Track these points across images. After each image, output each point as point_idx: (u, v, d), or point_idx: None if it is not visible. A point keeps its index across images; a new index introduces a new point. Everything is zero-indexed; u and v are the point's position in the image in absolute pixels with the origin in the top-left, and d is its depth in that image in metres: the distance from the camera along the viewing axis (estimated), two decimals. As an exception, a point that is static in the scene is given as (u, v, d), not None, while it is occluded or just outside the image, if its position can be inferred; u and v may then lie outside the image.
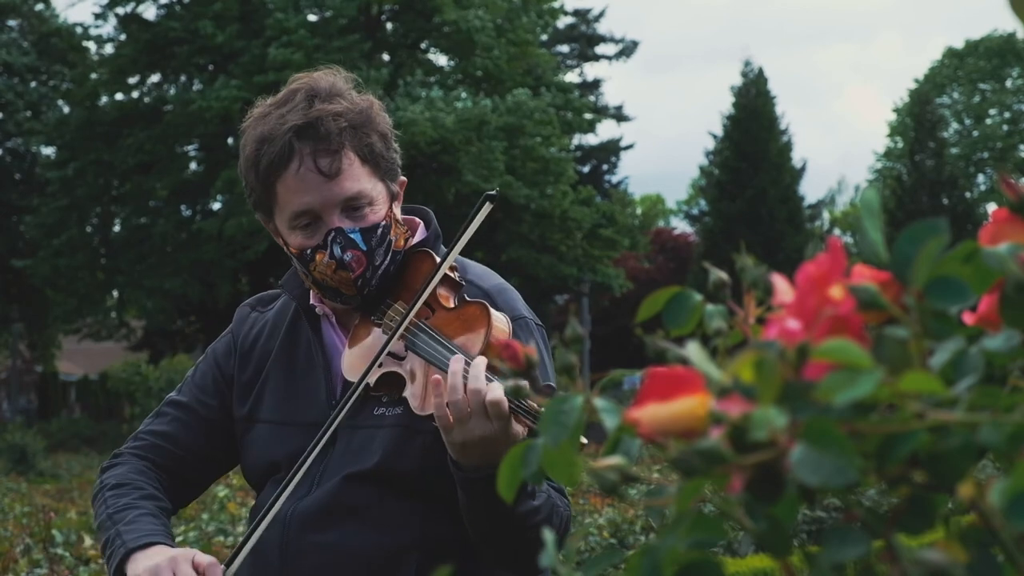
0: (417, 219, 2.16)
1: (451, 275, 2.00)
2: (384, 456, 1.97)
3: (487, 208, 1.98)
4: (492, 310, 1.91)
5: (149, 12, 27.65)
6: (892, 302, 0.66)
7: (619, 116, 36.94)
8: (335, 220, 1.97)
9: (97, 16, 28.00)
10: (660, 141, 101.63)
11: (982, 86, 43.87)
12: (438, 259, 2.01)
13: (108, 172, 26.95)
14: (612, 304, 34.91)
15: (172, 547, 1.95)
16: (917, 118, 36.57)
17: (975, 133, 43.39)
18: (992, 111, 43.65)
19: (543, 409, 0.71)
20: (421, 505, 1.98)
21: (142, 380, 21.31)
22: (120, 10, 27.33)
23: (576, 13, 36.36)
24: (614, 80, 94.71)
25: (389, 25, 27.44)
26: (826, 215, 50.00)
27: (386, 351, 1.93)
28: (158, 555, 1.90)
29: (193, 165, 27.74)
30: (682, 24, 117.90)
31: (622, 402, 0.70)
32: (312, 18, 25.69)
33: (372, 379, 1.94)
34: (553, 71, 28.60)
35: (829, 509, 5.69)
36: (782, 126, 35.30)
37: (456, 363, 1.80)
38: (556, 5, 28.78)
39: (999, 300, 0.66)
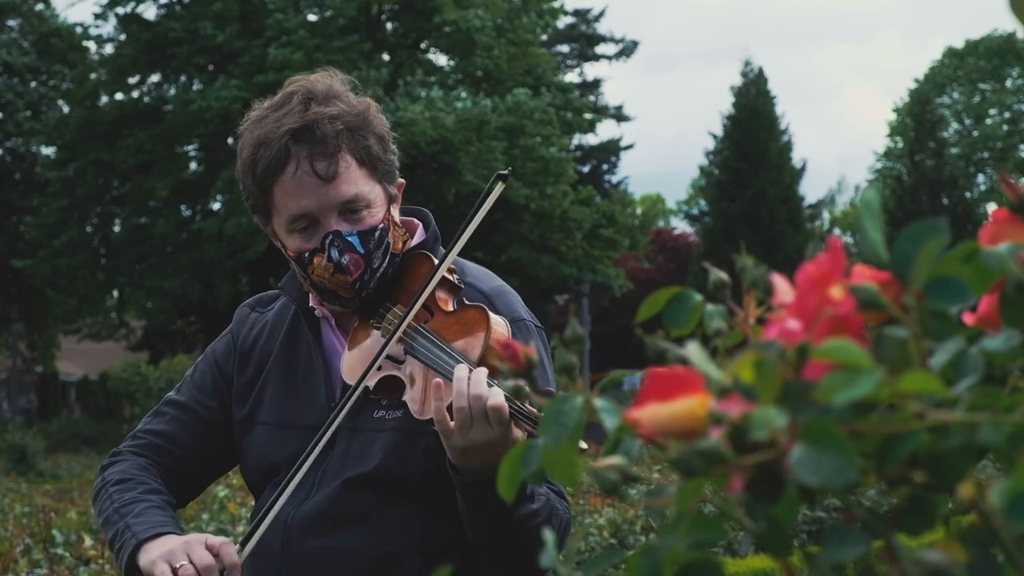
0: (416, 221, 2.15)
1: (449, 278, 2.00)
2: (384, 460, 1.97)
3: (500, 187, 1.97)
4: (491, 314, 1.91)
5: (149, 12, 27.68)
6: (892, 302, 0.66)
7: (619, 116, 36.95)
8: (333, 223, 1.97)
9: (97, 16, 28.02)
10: (660, 141, 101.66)
11: (982, 86, 43.87)
12: (437, 262, 2.01)
13: (108, 172, 26.96)
14: (612, 304, 34.91)
15: (182, 536, 1.95)
16: (917, 118, 36.57)
17: (975, 133, 43.40)
18: (992, 111, 43.65)
19: (543, 413, 0.71)
20: (421, 508, 1.98)
21: (142, 380, 21.31)
22: (120, 10, 27.33)
23: (576, 13, 36.37)
24: (614, 80, 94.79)
25: (389, 25, 27.44)
26: (826, 215, 50.01)
27: (384, 354, 1.93)
28: (171, 542, 1.90)
29: (193, 165, 27.75)
30: (682, 24, 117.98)
31: (622, 402, 0.70)
32: (312, 18, 25.69)
33: (371, 382, 1.94)
34: (553, 71, 28.60)
35: (829, 509, 5.69)
36: (782, 126, 35.29)
37: (462, 370, 1.80)
38: (556, 5, 28.77)
39: (999, 300, 0.66)
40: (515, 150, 25.09)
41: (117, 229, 28.40)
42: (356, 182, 1.98)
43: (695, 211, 41.89)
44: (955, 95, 44.10)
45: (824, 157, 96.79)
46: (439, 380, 1.82)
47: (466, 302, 1.98)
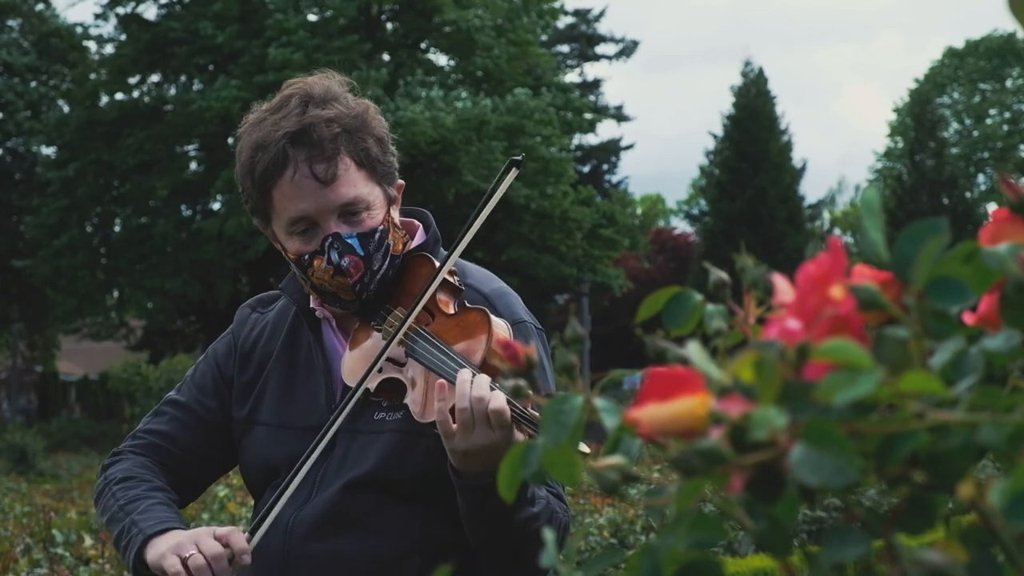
0: (416, 222, 2.14)
1: (450, 280, 1.99)
2: (384, 462, 1.97)
3: (513, 174, 1.96)
4: (492, 317, 1.91)
5: (149, 12, 27.69)
6: (892, 302, 0.66)
7: (619, 116, 36.95)
8: (332, 226, 1.97)
9: (98, 16, 28.02)
10: (660, 141, 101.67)
11: (982, 86, 43.87)
12: (437, 264, 2.01)
13: (108, 172, 26.97)
14: (612, 304, 34.91)
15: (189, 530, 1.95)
16: (917, 118, 36.57)
17: (975, 133, 43.40)
18: (992, 111, 43.65)
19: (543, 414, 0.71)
20: (421, 510, 1.98)
21: (142, 380, 21.31)
22: (120, 10, 27.34)
23: (576, 13, 36.37)
24: (614, 80, 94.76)
25: (389, 25, 27.44)
26: (826, 215, 50.01)
27: (385, 357, 1.93)
28: (178, 535, 1.91)
29: (193, 165, 27.75)
30: (682, 24, 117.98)
31: (622, 402, 0.70)
32: (312, 18, 25.69)
33: (372, 385, 1.94)
34: (553, 71, 28.60)
35: (829, 509, 5.69)
36: (782, 126, 35.29)
37: (465, 373, 1.80)
38: (556, 5, 28.77)
39: (999, 300, 0.66)
40: (515, 150, 25.08)
41: (117, 229, 28.40)
42: (355, 184, 1.97)
43: (695, 211, 41.89)
44: (955, 95, 44.10)
45: (824, 157, 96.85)
46: (442, 381, 1.82)
47: (467, 305, 1.97)
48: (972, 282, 0.66)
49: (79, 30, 29.82)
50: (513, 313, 2.03)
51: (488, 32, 25.46)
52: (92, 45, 29.91)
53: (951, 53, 44.42)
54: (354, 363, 2.00)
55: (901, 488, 0.63)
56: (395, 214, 2.06)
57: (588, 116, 29.21)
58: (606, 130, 48.35)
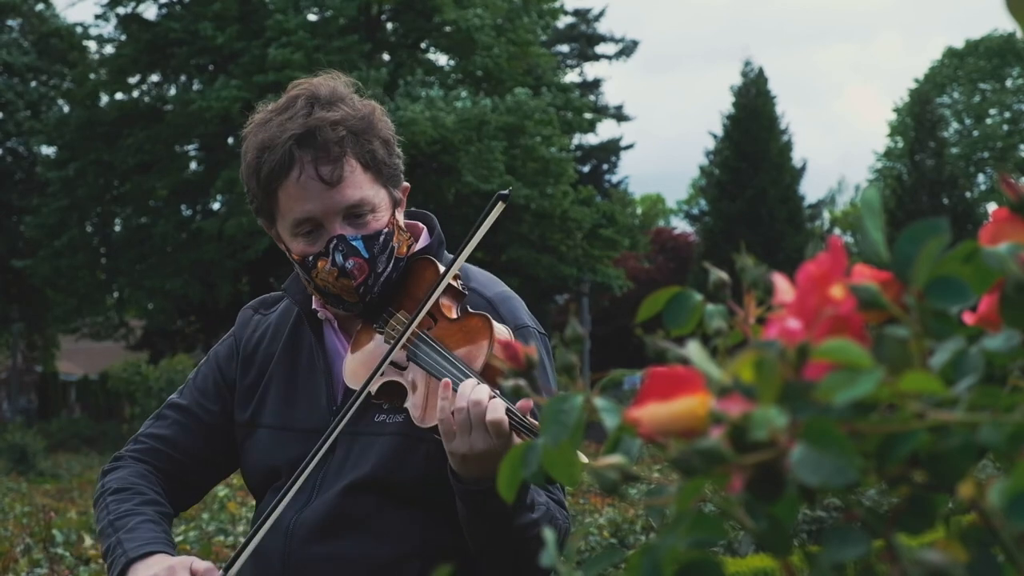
0: (420, 225, 2.14)
1: (454, 284, 1.99)
2: (384, 464, 1.97)
3: (499, 208, 1.96)
4: (495, 323, 1.90)
5: (149, 12, 27.70)
6: (892, 302, 0.66)
7: (619, 116, 36.95)
8: (337, 227, 1.97)
9: (98, 17, 28.01)
10: (660, 141, 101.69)
11: (982, 86, 43.88)
12: (441, 267, 2.00)
13: (108, 172, 26.98)
14: (612, 304, 34.92)
15: (172, 555, 1.95)
16: (917, 118, 36.57)
17: (975, 133, 43.41)
18: (992, 111, 43.66)
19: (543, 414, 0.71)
20: (421, 514, 1.98)
21: (142, 380, 21.32)
22: (120, 10, 27.34)
23: (576, 13, 36.37)
24: (614, 80, 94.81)
25: (389, 25, 27.44)
26: (826, 215, 50.02)
27: (388, 361, 1.93)
28: (157, 565, 1.90)
29: (193, 165, 27.75)
30: (682, 24, 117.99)
31: (622, 402, 0.70)
32: (312, 18, 25.69)
33: (373, 388, 1.94)
34: (553, 71, 28.61)
35: (829, 509, 5.69)
36: (782, 126, 35.29)
37: (466, 382, 1.80)
38: (556, 5, 28.77)
39: (999, 300, 0.66)
40: (515, 150, 25.10)
41: (117, 229, 28.41)
42: (361, 186, 1.97)
43: (695, 211, 41.90)
44: (955, 95, 44.10)
45: (824, 157, 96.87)
46: (447, 380, 1.82)
47: (470, 310, 1.97)
48: (972, 282, 0.66)
49: (79, 30, 29.81)
50: (516, 318, 2.03)
51: (488, 32, 25.46)
52: (92, 45, 29.95)
53: (951, 53, 44.43)
54: (356, 365, 2.00)
55: (901, 488, 0.63)
56: (400, 216, 2.06)
57: (588, 116, 29.21)
58: (606, 130, 48.42)
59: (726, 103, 39.43)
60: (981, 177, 42.25)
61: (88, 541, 6.15)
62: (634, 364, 31.34)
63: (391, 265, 2.01)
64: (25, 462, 17.42)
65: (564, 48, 36.64)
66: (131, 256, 26.80)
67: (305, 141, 1.95)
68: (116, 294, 28.45)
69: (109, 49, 28.43)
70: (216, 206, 26.97)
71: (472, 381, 1.80)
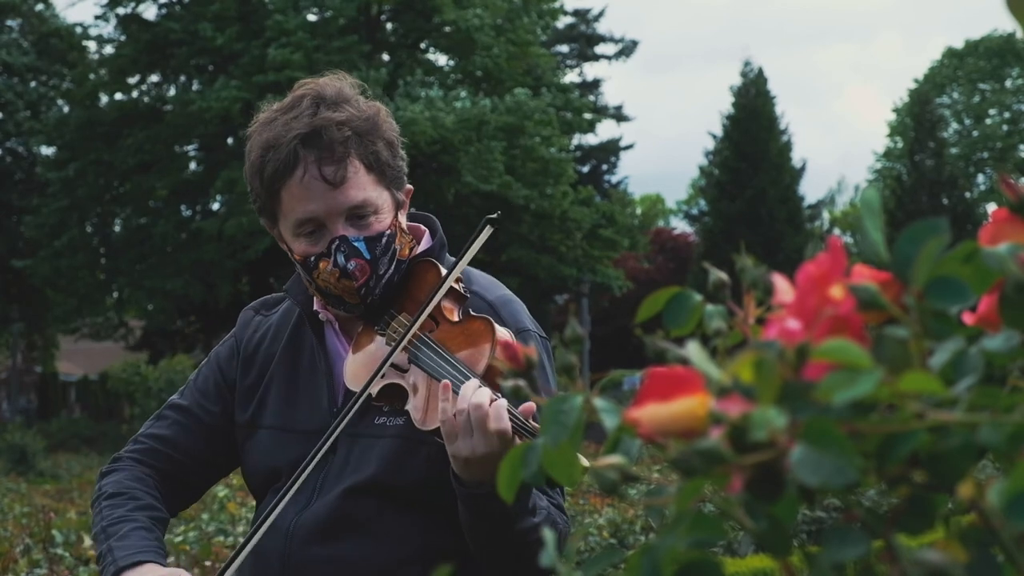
0: (422, 227, 2.14)
1: (455, 287, 1.99)
2: (385, 467, 1.96)
3: (487, 232, 1.95)
4: (497, 326, 1.90)
5: (149, 12, 27.70)
6: (892, 302, 0.66)
7: (619, 116, 36.95)
8: (339, 228, 1.96)
9: (98, 17, 28.02)
10: (660, 141, 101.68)
11: (982, 86, 43.89)
12: (443, 269, 2.00)
13: (108, 172, 26.98)
14: (612, 304, 34.91)
15: (163, 564, 1.95)
16: (917, 118, 36.57)
17: (975, 133, 43.42)
18: (992, 111, 43.67)
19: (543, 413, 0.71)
20: (422, 517, 1.98)
21: (142, 380, 21.33)
22: (120, 10, 27.34)
23: (576, 13, 36.37)
24: (614, 80, 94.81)
25: (389, 25, 27.45)
26: (826, 215, 50.01)
27: (389, 363, 1.93)
28: (147, 574, 1.91)
29: (193, 165, 27.76)
30: (682, 24, 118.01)
31: (622, 402, 0.70)
32: (312, 18, 25.69)
33: (374, 390, 1.93)
34: (553, 71, 28.61)
35: (829, 509, 5.69)
36: (782, 126, 35.29)
37: (468, 385, 1.81)
38: (556, 5, 28.78)
39: (999, 300, 0.66)
40: (515, 150, 25.10)
41: (117, 229, 28.41)
42: (364, 187, 1.97)
43: (695, 211, 41.89)
44: (955, 95, 44.11)
45: (824, 157, 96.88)
46: (447, 382, 1.82)
47: (472, 313, 1.97)
48: (972, 282, 0.66)
49: (79, 30, 29.83)
50: (518, 321, 2.03)
51: (488, 32, 25.47)
52: (92, 45, 29.95)
53: (951, 53, 44.43)
54: (357, 367, 2.00)
55: (901, 488, 0.63)
56: (402, 219, 2.06)
57: (588, 116, 29.22)
58: (606, 130, 48.38)
59: (726, 103, 39.43)
60: (981, 177, 42.26)
61: (88, 541, 6.15)
62: (634, 364, 31.34)
63: (393, 267, 2.00)
64: (25, 462, 17.42)
65: (564, 48, 36.64)
66: (131, 256, 26.80)
67: (310, 141, 1.95)
68: (116, 294, 28.45)
69: (109, 49, 28.45)
70: (216, 206, 26.98)
71: (474, 383, 1.80)
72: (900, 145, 42.65)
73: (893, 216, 31.49)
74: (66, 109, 29.46)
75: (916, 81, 44.60)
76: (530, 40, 26.77)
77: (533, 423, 1.74)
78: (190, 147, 27.82)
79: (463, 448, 1.77)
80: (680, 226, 47.89)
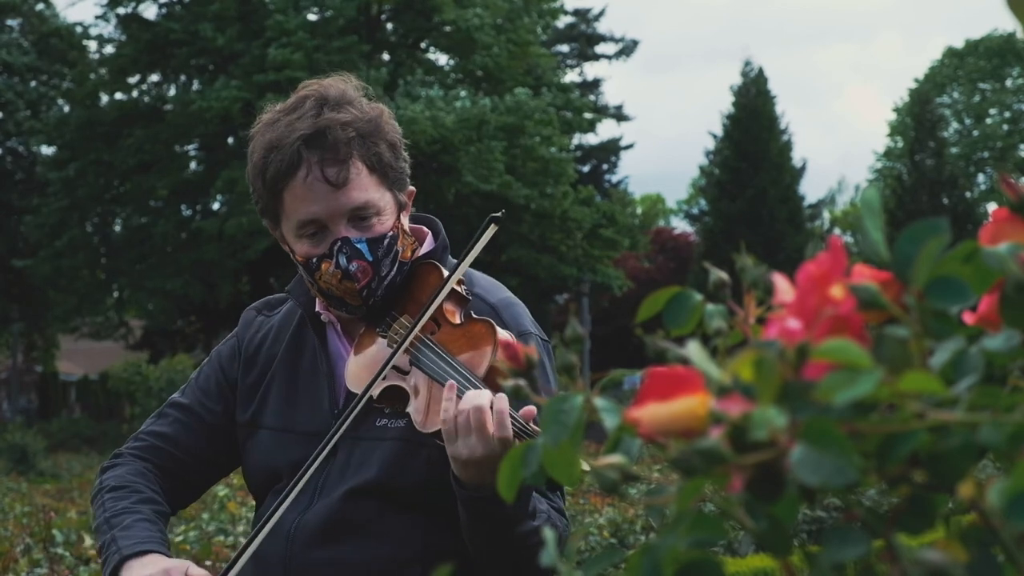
0: (425, 229, 2.14)
1: (457, 289, 1.99)
2: (385, 469, 1.96)
3: (491, 231, 1.96)
4: (498, 329, 1.90)
5: (149, 12, 27.69)
6: (892, 302, 0.66)
7: (619, 116, 36.94)
8: (342, 230, 1.96)
9: (98, 18, 28.02)
10: (660, 141, 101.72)
11: (982, 86, 43.88)
12: (445, 271, 2.00)
13: (108, 172, 26.98)
14: (612, 304, 34.91)
15: (167, 555, 1.95)
16: (917, 118, 36.57)
17: (975, 133, 43.41)
18: (992, 111, 43.66)
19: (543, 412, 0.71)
20: (423, 519, 1.97)
21: (142, 380, 21.32)
22: (121, 10, 27.33)
23: (576, 13, 36.36)
24: (614, 80, 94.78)
25: (389, 25, 27.45)
26: (826, 215, 50.02)
27: (390, 365, 1.93)
28: (152, 565, 1.90)
29: (193, 165, 27.76)
30: (682, 24, 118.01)
31: (622, 402, 0.70)
32: (312, 18, 25.69)
33: (375, 392, 1.93)
34: (553, 71, 28.61)
35: (829, 509, 5.69)
36: (782, 126, 35.29)
37: (451, 390, 1.81)
38: (556, 5, 28.78)
39: (999, 300, 0.66)
40: (515, 150, 25.09)
41: (117, 229, 28.41)
42: (366, 189, 1.97)
43: (695, 211, 41.89)
44: (955, 95, 44.10)
45: (824, 157, 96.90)
46: (452, 382, 1.82)
47: (473, 315, 1.97)
48: (972, 282, 0.66)
49: (79, 30, 29.82)
50: (519, 324, 2.03)
51: (488, 32, 25.47)
52: (92, 45, 29.94)
53: (951, 53, 44.42)
54: (358, 369, 2.00)
55: (901, 488, 0.63)
56: (405, 220, 2.06)
57: (588, 116, 29.22)
58: (606, 130, 48.38)
59: (726, 103, 39.43)
60: (981, 177, 42.25)
61: (88, 541, 6.15)
62: (634, 364, 31.34)
63: (395, 269, 2.00)
64: (25, 462, 17.43)
65: (564, 48, 36.63)
66: (131, 256, 26.80)
67: (313, 142, 1.95)
68: (116, 294, 28.45)
69: (109, 49, 28.43)
70: (216, 206, 26.97)
71: (475, 386, 1.80)
72: (900, 145, 42.63)
73: (893, 216, 31.49)
74: (66, 109, 29.45)
75: (916, 81, 44.59)
76: (530, 40, 26.77)
77: (533, 426, 1.74)
78: (190, 147, 27.81)
79: (462, 450, 1.77)
80: (680, 226, 47.94)
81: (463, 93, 24.75)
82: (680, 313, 0.76)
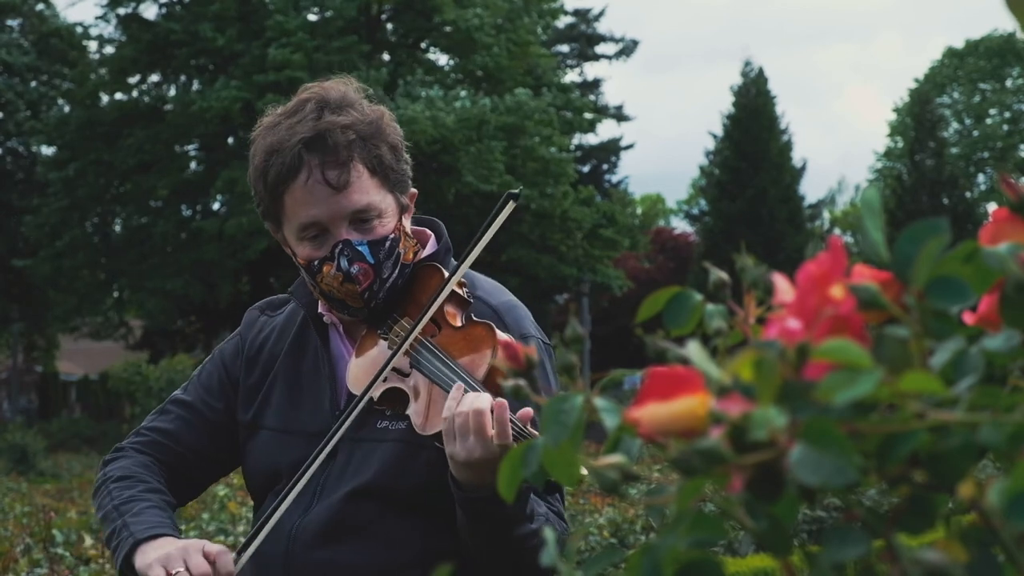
0: (427, 231, 2.14)
1: (459, 292, 1.99)
2: (386, 471, 1.97)
3: (510, 207, 1.96)
4: (499, 332, 1.90)
5: (150, 12, 27.69)
6: (893, 302, 0.66)
7: (619, 116, 36.94)
8: (343, 232, 1.97)
9: (99, 18, 28.02)
10: (660, 141, 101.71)
11: (982, 86, 43.88)
12: (447, 274, 2.00)
13: (108, 172, 26.98)
14: (612, 304, 34.91)
15: (180, 539, 1.95)
16: (917, 118, 36.57)
17: (975, 133, 43.41)
18: (992, 111, 43.66)
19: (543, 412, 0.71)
20: (423, 520, 1.97)
21: (142, 380, 21.32)
22: (121, 10, 27.34)
23: (576, 13, 36.36)
24: (614, 80, 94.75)
25: (389, 25, 27.45)
26: (826, 215, 50.01)
27: (389, 367, 1.93)
28: (168, 545, 1.90)
29: (193, 165, 27.76)
30: (682, 24, 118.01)
31: (622, 402, 0.70)
32: (312, 18, 25.69)
33: (376, 393, 1.93)
34: (553, 71, 28.61)
35: (829, 509, 5.69)
36: (782, 126, 35.29)
37: (458, 390, 1.81)
38: (556, 5, 28.78)
39: (999, 300, 0.66)
40: (515, 150, 25.09)
41: (118, 229, 28.40)
42: (367, 191, 1.97)
43: (695, 211, 41.88)
44: (955, 95, 44.10)
45: (824, 157, 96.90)
46: (460, 383, 1.82)
47: (474, 318, 1.97)
48: (972, 282, 0.66)
49: (79, 30, 29.82)
50: (521, 327, 2.03)
51: (488, 32, 25.47)
52: (92, 45, 29.94)
53: (951, 53, 44.42)
54: (359, 371, 2.00)
55: (901, 488, 0.63)
56: (407, 223, 2.06)
57: (588, 116, 29.22)
58: (606, 130, 48.34)
59: (726, 103, 39.44)
60: (981, 177, 42.25)
61: (88, 541, 6.15)
62: (634, 364, 31.34)
63: (397, 271, 2.00)
64: (25, 462, 17.43)
65: (564, 48, 36.63)
66: (132, 256, 26.80)
67: (313, 145, 1.95)
68: (116, 294, 28.44)
69: (109, 49, 28.43)
70: (216, 206, 26.97)
71: (474, 389, 1.80)
72: (900, 145, 42.63)
73: (893, 216, 31.49)
74: (66, 109, 29.45)
75: (916, 81, 44.59)
76: (530, 40, 26.77)
77: (531, 429, 1.74)
78: (190, 147, 27.81)
79: (460, 451, 1.77)
80: (680, 226, 47.94)
81: (463, 93, 24.74)
82: (680, 313, 0.76)
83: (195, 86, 26.99)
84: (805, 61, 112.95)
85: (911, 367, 0.62)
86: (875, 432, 0.61)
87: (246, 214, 23.11)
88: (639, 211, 51.32)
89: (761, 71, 35.47)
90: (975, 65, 43.52)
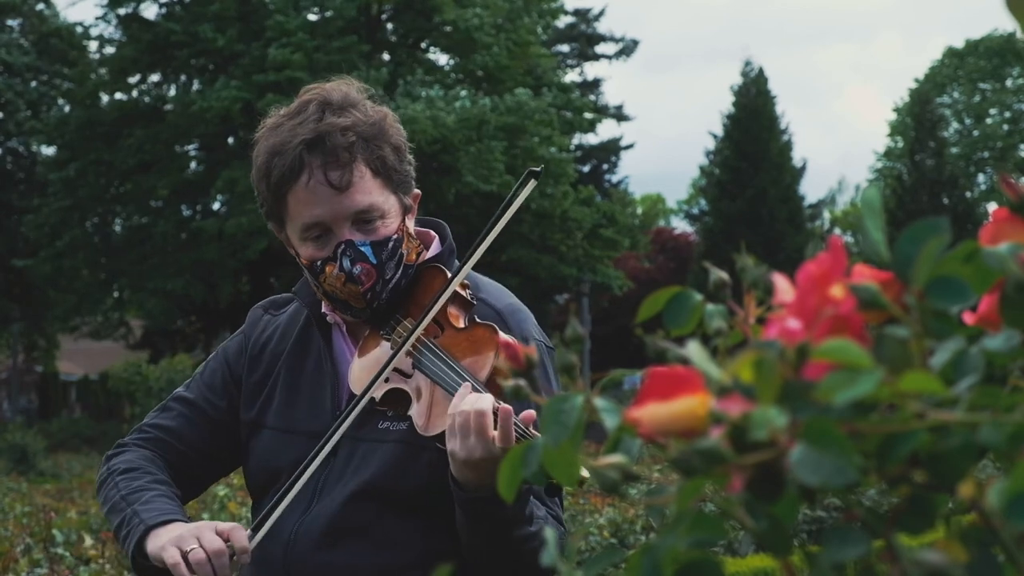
0: (432, 233, 2.14)
1: (462, 293, 1.99)
2: (386, 472, 1.97)
3: (531, 185, 1.97)
4: (501, 334, 1.90)
5: (150, 12, 27.69)
6: (893, 302, 0.66)
7: (619, 116, 36.94)
8: (346, 233, 1.97)
9: (99, 18, 28.02)
10: (660, 141, 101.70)
11: (982, 86, 43.87)
12: (450, 276, 2.00)
13: (108, 172, 26.97)
14: (612, 304, 34.91)
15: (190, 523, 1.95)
16: (917, 118, 36.56)
17: (975, 133, 43.40)
18: (992, 111, 43.65)
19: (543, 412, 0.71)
20: (423, 522, 1.97)
21: (142, 380, 21.31)
22: (121, 10, 27.33)
23: (576, 12, 36.36)
24: (614, 80, 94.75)
25: (389, 25, 27.45)
26: (826, 215, 50.00)
27: (391, 367, 1.93)
28: (179, 528, 1.90)
29: (193, 165, 27.76)
30: (682, 24, 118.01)
31: (622, 402, 0.70)
32: (312, 18, 25.69)
33: (378, 394, 1.93)
34: (553, 71, 28.61)
35: (829, 509, 5.69)
36: (782, 126, 35.29)
37: (466, 389, 1.81)
38: (556, 5, 28.77)
39: (999, 300, 0.66)
40: (515, 150, 25.09)
41: (118, 229, 28.40)
42: (370, 192, 1.98)
43: (695, 211, 41.89)
44: (955, 95, 44.09)
45: (824, 157, 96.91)
46: (468, 382, 1.82)
47: (477, 320, 1.97)
48: (972, 282, 0.66)
49: (79, 30, 29.80)
50: (524, 330, 2.03)
51: (488, 31, 25.47)
52: (92, 45, 29.93)
53: (951, 53, 44.41)
54: (361, 371, 2.00)
55: (901, 488, 0.63)
56: (410, 223, 2.06)
57: (588, 116, 29.21)
58: (606, 130, 48.31)
59: (726, 103, 39.43)
60: (981, 177, 42.23)
61: (88, 541, 6.15)
62: (634, 364, 31.33)
63: (399, 272, 2.01)
64: (25, 462, 17.43)
65: (564, 48, 36.63)
66: (132, 256, 26.80)
67: (315, 146, 1.96)
68: (116, 294, 28.43)
69: (110, 49, 28.43)
70: (216, 206, 26.97)
71: (476, 390, 1.81)
72: (900, 145, 42.62)
73: (894, 216, 31.48)
74: (67, 109, 29.44)
75: (916, 81, 44.58)
76: (530, 40, 26.76)
77: (533, 430, 1.74)
78: (190, 147, 27.81)
79: (461, 450, 1.77)
80: (680, 226, 47.93)
81: (463, 93, 24.74)
82: (680, 313, 0.76)
83: (195, 86, 26.99)
84: (805, 61, 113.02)
85: (911, 367, 0.62)
86: (875, 432, 0.61)
87: (246, 214, 23.11)
88: (639, 211, 51.32)
89: (761, 71, 35.47)
90: (975, 65, 43.51)
